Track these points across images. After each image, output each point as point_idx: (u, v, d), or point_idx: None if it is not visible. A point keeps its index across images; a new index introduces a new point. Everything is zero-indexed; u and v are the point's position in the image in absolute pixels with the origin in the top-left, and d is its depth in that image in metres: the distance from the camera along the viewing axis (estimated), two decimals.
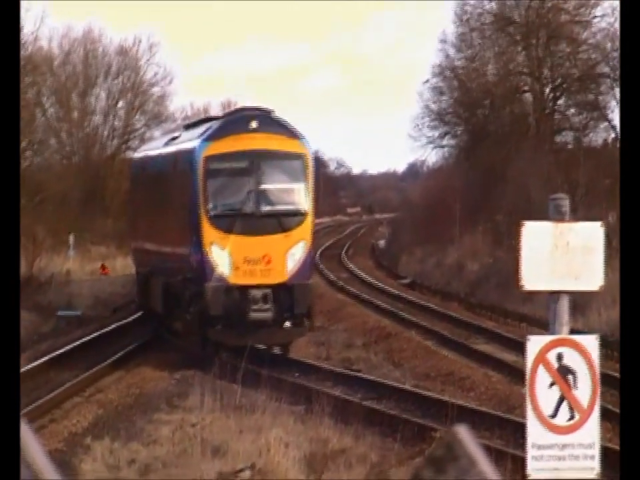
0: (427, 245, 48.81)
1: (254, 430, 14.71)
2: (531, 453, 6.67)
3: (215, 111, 51.34)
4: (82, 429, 18.08)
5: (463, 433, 1.81)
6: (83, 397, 21.16)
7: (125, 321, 30.42)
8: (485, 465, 1.76)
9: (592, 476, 6.68)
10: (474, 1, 47.68)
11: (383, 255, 61.46)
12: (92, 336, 27.76)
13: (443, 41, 49.25)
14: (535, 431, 6.63)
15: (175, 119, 57.23)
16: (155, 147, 30.82)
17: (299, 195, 23.34)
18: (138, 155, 33.95)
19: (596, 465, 6.74)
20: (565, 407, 6.67)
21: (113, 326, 29.49)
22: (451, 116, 52.01)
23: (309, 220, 23.21)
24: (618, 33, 40.55)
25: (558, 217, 6.66)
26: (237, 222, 22.78)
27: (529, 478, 6.70)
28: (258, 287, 22.28)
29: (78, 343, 26.60)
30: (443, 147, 53.11)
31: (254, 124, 23.03)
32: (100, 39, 56.34)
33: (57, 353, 25.04)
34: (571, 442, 6.65)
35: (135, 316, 30.51)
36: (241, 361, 19.12)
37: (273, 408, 16.75)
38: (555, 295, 6.63)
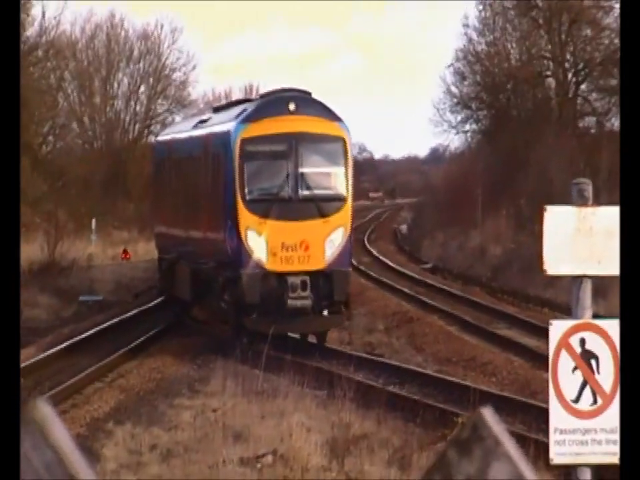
0: (449, 230, 48.81)
1: (276, 415, 14.63)
2: (553, 437, 6.70)
3: (237, 96, 51.32)
4: (104, 414, 18.11)
5: (489, 414, 1.83)
6: (104, 382, 21.23)
7: (147, 306, 30.30)
8: (509, 445, 1.78)
9: (614, 461, 6.70)
10: None
11: (404, 240, 61.58)
12: (113, 321, 27.85)
13: (466, 25, 49.37)
14: (557, 416, 6.65)
15: (197, 104, 57.26)
16: (182, 129, 29.90)
17: (338, 180, 22.65)
18: (162, 138, 32.70)
19: (618, 449, 6.78)
20: (587, 391, 6.71)
21: (135, 311, 29.38)
22: (473, 100, 51.73)
23: (348, 205, 22.57)
24: None
25: (581, 201, 6.67)
26: (274, 207, 22.15)
27: (552, 462, 6.77)
28: (296, 273, 21.68)
29: (99, 328, 26.61)
30: (465, 131, 53.28)
31: (292, 106, 22.38)
32: (122, 23, 56.57)
33: (79, 337, 25.16)
34: (594, 427, 6.68)
35: (157, 301, 30.21)
36: (264, 345, 18.92)
37: (295, 393, 16.58)
38: (577, 279, 6.66)
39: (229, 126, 22.80)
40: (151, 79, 56.78)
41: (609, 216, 6.65)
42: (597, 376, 6.68)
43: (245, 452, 12.28)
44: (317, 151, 22.60)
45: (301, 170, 22.16)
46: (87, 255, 40.96)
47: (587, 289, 6.69)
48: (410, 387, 18.81)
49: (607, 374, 6.72)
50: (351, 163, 22.72)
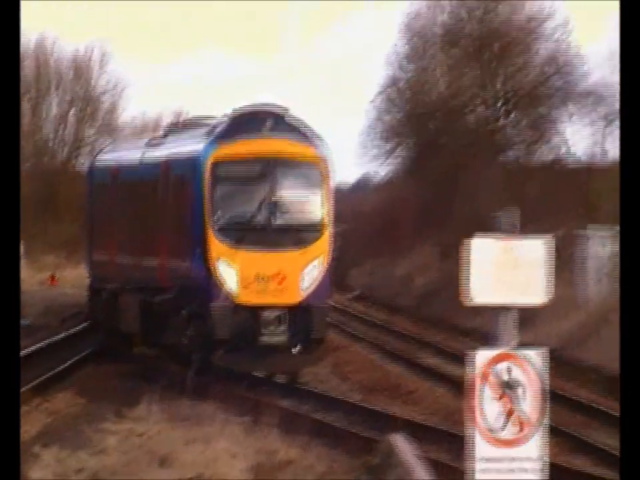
0: (376, 258, 49.50)
1: (201, 440, 14.62)
2: (479, 466, 6.82)
3: (167, 120, 51.13)
4: (30, 438, 17.66)
5: (400, 441, 2.13)
6: (31, 406, 20.76)
7: (74, 329, 30.13)
8: (421, 472, 2.09)
9: None
10: (426, 14, 47.74)
11: (330, 268, 62.25)
12: (40, 344, 27.50)
13: (396, 53, 49.07)
14: (481, 446, 6.77)
15: (126, 127, 57.66)
16: (127, 152, 28.30)
17: (316, 207, 21.29)
18: (103, 161, 30.00)
19: (544, 477, 6.92)
20: (509, 421, 6.84)
21: (62, 335, 29.24)
22: (402, 128, 51.28)
23: (327, 234, 21.34)
24: (572, 45, 44.04)
25: (507, 231, 6.83)
26: (247, 235, 20.84)
27: None
28: (270, 307, 20.46)
29: (26, 351, 25.87)
30: (393, 159, 52.44)
31: (268, 125, 21.07)
32: (53, 48, 57.09)
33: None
34: (519, 455, 6.84)
35: (84, 325, 29.98)
36: (187, 371, 19.00)
37: (221, 419, 16.49)
38: (503, 308, 6.80)
39: (197, 147, 21.47)
40: (80, 103, 57.96)
41: (534, 247, 6.82)
42: (521, 405, 6.84)
43: (171, 476, 12.34)
44: (295, 175, 21.19)
45: (276, 196, 20.84)
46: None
47: (511, 319, 6.87)
48: (335, 414, 18.73)
49: (528, 404, 6.88)
50: (330, 189, 21.42)
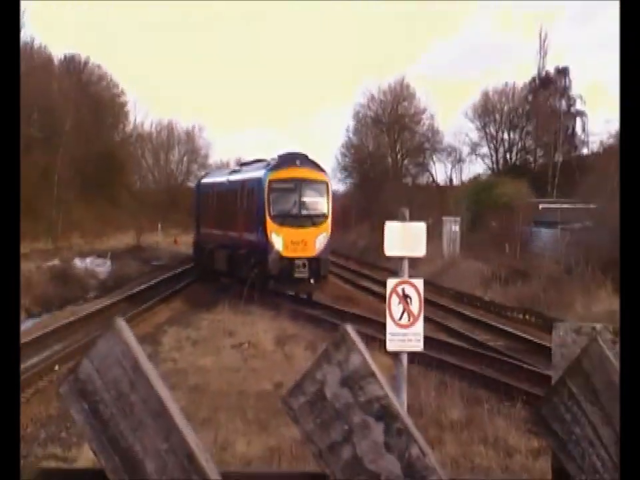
0: (338, 232, 60.47)
1: (249, 323, 24.61)
2: (388, 337, 12.84)
3: (234, 162, 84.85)
4: (163, 321, 30.19)
5: (349, 327, 2.32)
6: (163, 305, 36.00)
7: (186, 267, 51.27)
8: (361, 344, 2.30)
9: (419, 349, 12.94)
10: (362, 108, 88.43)
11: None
12: (169, 274, 48.48)
13: (348, 130, 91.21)
14: (391, 326, 12.81)
15: (213, 165, 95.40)
16: (219, 176, 47.55)
17: (323, 205, 35.60)
18: (205, 181, 50.49)
19: (421, 345, 12.97)
20: (405, 314, 12.88)
21: (179, 269, 51.05)
22: (351, 167, 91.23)
23: (328, 220, 35.36)
24: (436, 126, 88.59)
25: (403, 219, 12.90)
26: (287, 219, 34.76)
27: (388, 349, 12.94)
28: (299, 258, 34.11)
29: (161, 277, 46.31)
30: (348, 182, 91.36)
31: (297, 162, 35.70)
32: (174, 125, 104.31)
33: (152, 282, 43.61)
34: (408, 332, 12.87)
35: (189, 266, 51.03)
36: (245, 288, 30.72)
37: (259, 312, 27.74)
38: (402, 258, 12.87)
39: (261, 173, 36.14)
40: (189, 153, 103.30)
41: (417, 227, 12.87)
42: (410, 306, 12.91)
43: (234, 341, 20.11)
44: (312, 188, 35.62)
45: (302, 199, 35.28)
46: (156, 241, 72.24)
47: (405, 263, 12.86)
48: (319, 311, 31.71)
49: (415, 306, 12.94)
50: (331, 195, 36.10)
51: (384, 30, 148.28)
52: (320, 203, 35.86)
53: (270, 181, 35.18)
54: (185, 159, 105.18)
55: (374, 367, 2.24)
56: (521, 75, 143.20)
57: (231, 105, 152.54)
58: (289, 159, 36.32)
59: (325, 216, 35.67)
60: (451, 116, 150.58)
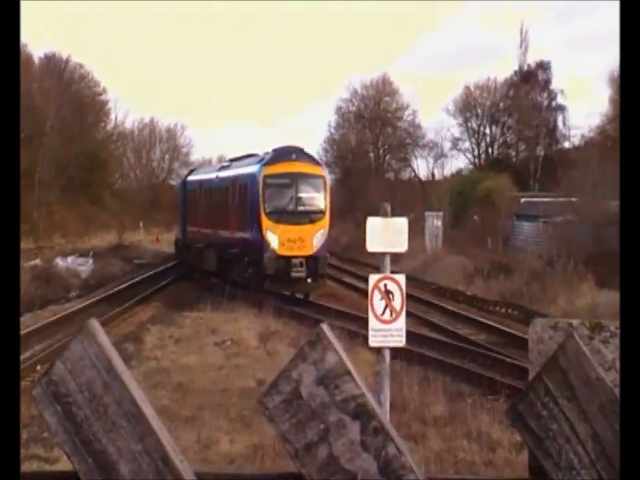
0: None
1: (232, 321, 24.41)
2: (370, 333, 12.87)
3: (215, 160, 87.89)
4: (145, 319, 30.09)
5: (325, 327, 2.31)
6: (145, 303, 35.84)
7: (168, 265, 51.72)
8: (337, 344, 2.29)
9: (401, 345, 12.95)
10: (345, 103, 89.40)
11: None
12: (151, 272, 47.98)
13: (330, 125, 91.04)
14: (373, 322, 12.82)
15: (195, 163, 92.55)
16: (206, 173, 46.19)
17: (320, 201, 33.77)
18: (191, 177, 49.30)
19: (403, 340, 12.98)
20: (388, 310, 12.89)
21: (161, 268, 50.84)
22: (333, 162, 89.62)
23: (326, 216, 33.73)
24: (418, 122, 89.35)
25: (385, 215, 12.91)
26: (283, 216, 33.03)
27: (370, 345, 12.94)
28: (296, 256, 32.47)
29: (144, 276, 45.88)
30: (331, 177, 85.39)
31: (293, 155, 33.93)
32: (156, 123, 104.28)
33: (134, 280, 43.55)
34: (390, 328, 12.87)
35: (172, 264, 51.49)
36: (227, 286, 29.86)
37: (242, 310, 27.25)
38: (383, 253, 12.88)
39: (254, 168, 34.53)
40: (170, 152, 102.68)
41: (399, 222, 12.87)
42: (392, 302, 12.92)
43: (217, 339, 20.03)
44: (308, 183, 33.83)
45: (299, 194, 33.46)
46: (138, 240, 71.61)
47: (388, 259, 12.84)
48: (303, 308, 31.33)
49: (397, 301, 12.95)
50: (328, 190, 34.35)
51: (367, 27, 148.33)
52: (317, 199, 34.14)
53: (264, 176, 33.59)
54: (167, 157, 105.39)
55: (350, 366, 2.23)
56: (502, 70, 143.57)
57: (211, 103, 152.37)
58: (284, 153, 34.64)
59: (322, 212, 34.02)
60: (432, 111, 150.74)
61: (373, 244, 12.54)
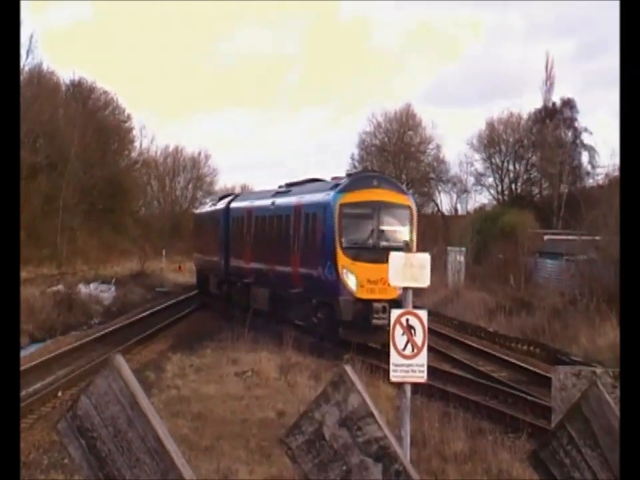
0: None
1: (253, 351, 24.30)
2: (392, 368, 12.85)
3: (237, 189, 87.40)
4: (166, 348, 29.93)
5: (349, 369, 2.31)
6: (167, 331, 36.15)
7: (190, 294, 52.38)
8: (359, 384, 2.31)
9: (423, 380, 12.93)
10: (368, 136, 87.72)
11: None
12: (173, 301, 48.74)
13: (353, 158, 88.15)
14: (394, 357, 12.82)
15: (218, 192, 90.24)
16: (256, 199, 40.46)
17: (406, 235, 28.53)
18: (236, 204, 43.69)
19: (425, 376, 12.96)
20: (409, 345, 12.88)
21: (183, 297, 51.47)
22: None
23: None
24: (442, 157, 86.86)
25: (408, 250, 12.98)
26: (362, 253, 28.70)
27: (391, 380, 12.92)
28: (378, 300, 27.89)
29: (165, 304, 46.51)
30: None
31: (375, 182, 29.75)
32: (182, 151, 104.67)
33: (155, 308, 43.93)
34: (412, 363, 12.86)
35: (194, 292, 52.25)
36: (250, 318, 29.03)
37: (264, 340, 26.61)
38: (405, 288, 12.88)
39: (328, 196, 29.91)
40: (195, 180, 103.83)
41: (421, 257, 12.91)
42: (414, 337, 12.92)
43: (238, 369, 20.14)
44: (392, 214, 29.36)
45: (381, 227, 29.05)
46: (160, 267, 71.30)
47: (410, 293, 12.87)
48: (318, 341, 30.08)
49: (419, 337, 12.95)
50: (415, 224, 29.29)
51: (387, 57, 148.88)
52: (402, 232, 29.00)
53: (341, 205, 29.10)
54: (190, 185, 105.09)
55: (373, 407, 2.23)
56: (526, 104, 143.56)
57: (234, 131, 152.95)
58: (364, 179, 30.54)
59: (408, 248, 27.57)
60: (456, 146, 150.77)
61: (396, 278, 12.59)
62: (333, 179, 33.07)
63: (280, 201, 35.73)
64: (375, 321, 27.68)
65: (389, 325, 26.47)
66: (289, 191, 36.08)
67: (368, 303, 27.98)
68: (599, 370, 2.28)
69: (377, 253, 27.88)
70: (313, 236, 30.77)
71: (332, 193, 29.59)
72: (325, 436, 2.22)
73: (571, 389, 2.29)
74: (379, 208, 28.99)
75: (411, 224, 29.18)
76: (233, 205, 44.35)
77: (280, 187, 39.79)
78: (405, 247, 27.34)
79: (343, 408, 2.23)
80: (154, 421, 2.28)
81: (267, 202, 37.35)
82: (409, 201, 30.10)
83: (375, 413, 2.24)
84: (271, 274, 34.74)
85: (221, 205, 47.35)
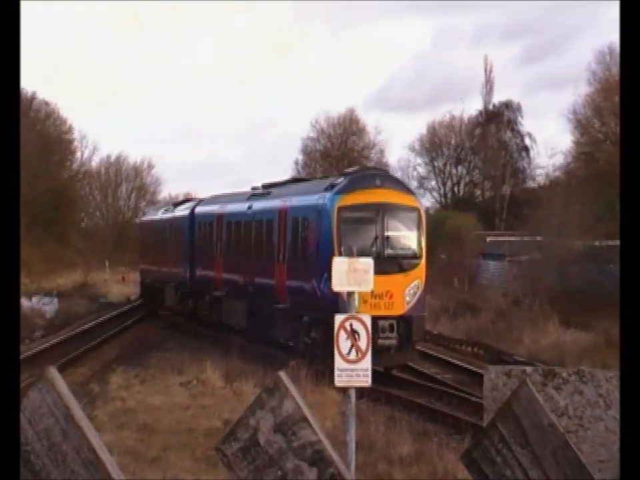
0: None
1: (198, 361, 24.00)
2: (336, 373, 12.87)
3: (179, 198, 78.49)
4: (110, 359, 29.77)
5: (283, 375, 2.40)
6: (112, 343, 35.81)
7: (134, 304, 51.23)
8: (292, 389, 2.32)
9: (367, 385, 12.97)
10: (312, 141, 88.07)
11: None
12: (117, 312, 47.16)
13: (296, 163, 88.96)
14: (339, 362, 12.85)
15: (160, 201, 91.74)
16: (227, 203, 35.91)
17: (415, 242, 26.06)
18: (202, 209, 39.22)
19: (369, 380, 12.99)
20: (354, 350, 12.92)
21: (127, 307, 50.30)
22: None
23: (422, 262, 25.97)
24: (385, 161, 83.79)
25: (351, 254, 12.99)
26: None
27: (336, 385, 12.97)
28: (384, 317, 24.45)
29: (109, 315, 45.20)
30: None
31: (377, 181, 26.06)
32: (123, 160, 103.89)
33: (99, 320, 42.65)
34: (356, 367, 12.89)
35: (138, 302, 50.84)
36: (194, 325, 29.91)
37: (209, 349, 27.75)
38: (350, 293, 12.92)
39: (322, 197, 26.27)
40: (137, 190, 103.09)
41: (364, 262, 12.96)
42: (358, 342, 12.96)
43: (182, 379, 20.09)
44: (398, 218, 26.08)
45: (386, 233, 25.63)
46: (104, 279, 70.35)
47: (354, 298, 12.95)
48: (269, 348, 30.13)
49: (363, 341, 12.99)
50: (424, 228, 26.39)
51: (332, 64, 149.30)
52: (410, 239, 26.32)
53: (339, 209, 25.52)
54: (133, 195, 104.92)
55: (307, 412, 2.25)
56: (469, 108, 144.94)
57: (176, 135, 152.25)
58: (365, 177, 26.74)
59: (417, 257, 26.17)
60: (401, 150, 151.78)
61: (339, 283, 12.66)
62: (323, 177, 29.98)
63: (259, 204, 32.01)
64: (380, 342, 24.07)
65: (398, 345, 24.53)
66: (269, 193, 32.30)
67: (372, 320, 24.08)
68: (529, 369, 2.32)
69: (381, 262, 24.07)
70: (304, 244, 27.28)
71: (328, 195, 26.09)
72: (260, 442, 2.23)
73: (502, 389, 2.32)
74: (383, 211, 25.69)
75: (420, 228, 26.29)
76: (199, 209, 39.94)
77: (254, 188, 35.93)
78: (414, 256, 25.86)
79: (278, 414, 2.24)
80: (89, 433, 2.27)
81: (241, 206, 33.69)
82: (416, 202, 27.04)
83: (310, 417, 2.25)
84: (249, 286, 31.30)
85: (182, 210, 43.20)
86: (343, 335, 12.75)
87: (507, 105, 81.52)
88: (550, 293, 35.60)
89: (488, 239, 55.89)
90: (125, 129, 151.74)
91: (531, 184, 79.08)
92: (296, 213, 28.04)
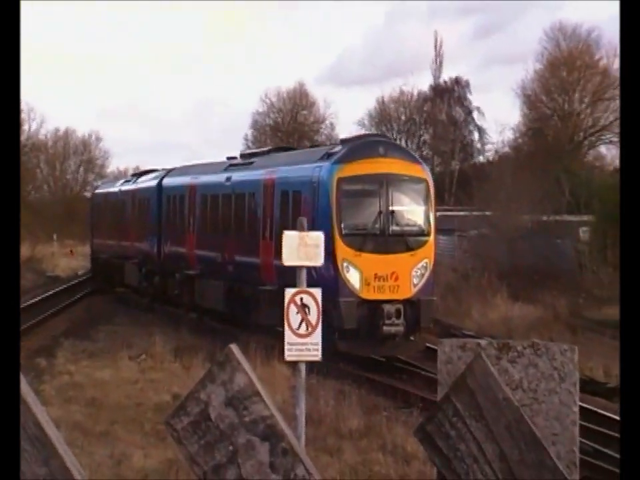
0: None
1: (147, 334, 24.12)
2: (286, 347, 12.88)
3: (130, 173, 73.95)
4: (58, 334, 29.50)
5: (235, 348, 2.30)
6: (59, 317, 35.48)
7: (82, 279, 51.01)
8: (244, 363, 2.29)
9: (317, 359, 12.98)
10: (261, 117, 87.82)
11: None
12: (65, 286, 46.74)
13: (245, 138, 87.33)
14: (289, 336, 12.84)
15: (110, 175, 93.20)
16: (205, 174, 32.30)
17: (423, 217, 23.69)
18: (170, 181, 35.74)
19: (319, 354, 13.01)
20: (304, 324, 12.92)
21: (75, 281, 50.14)
22: None
23: (431, 240, 23.57)
24: (335, 135, 78.11)
25: (302, 229, 12.95)
26: (368, 241, 22.80)
27: (286, 359, 12.97)
28: (390, 302, 22.43)
29: (57, 289, 44.71)
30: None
31: (381, 149, 23.48)
32: (69, 135, 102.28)
33: (46, 294, 42.08)
34: (307, 342, 12.91)
35: (87, 276, 50.67)
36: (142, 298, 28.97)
37: (160, 323, 27.35)
38: (299, 267, 12.89)
39: (319, 168, 23.57)
40: (85, 163, 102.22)
41: (314, 236, 12.94)
42: (308, 316, 12.95)
43: (132, 353, 19.92)
44: (405, 190, 23.59)
45: (391, 207, 23.15)
46: (51, 252, 70.76)
47: (304, 272, 12.89)
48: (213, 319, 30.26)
49: (313, 315, 12.98)
50: (433, 202, 24.02)
51: (280, 37, 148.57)
52: (418, 213, 23.82)
53: (339, 180, 22.98)
54: (81, 169, 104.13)
55: (259, 386, 2.21)
56: (419, 84, 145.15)
57: (126, 112, 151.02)
58: (367, 145, 24.04)
59: (425, 234, 23.66)
60: (349, 125, 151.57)
61: (290, 257, 12.63)
62: (313, 144, 26.83)
63: (239, 175, 28.98)
64: (386, 328, 22.26)
65: (406, 332, 22.37)
66: (250, 163, 29.29)
67: (376, 305, 22.37)
68: (483, 342, 2.30)
69: (386, 240, 22.87)
70: (291, 219, 23.44)
71: (325, 165, 23.47)
72: (211, 416, 2.20)
73: (456, 362, 2.30)
74: (387, 182, 23.18)
75: (428, 202, 23.83)
76: (168, 180, 36.32)
77: (230, 158, 32.87)
78: (422, 233, 23.42)
79: (229, 387, 2.20)
80: (34, 407, 2.22)
81: (218, 177, 30.55)
82: (424, 172, 24.27)
83: (262, 391, 2.22)
84: (229, 265, 28.41)
85: (148, 181, 39.76)
86: (293, 309, 12.74)
87: (457, 81, 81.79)
88: (498, 268, 35.88)
89: (438, 214, 56.13)
90: (74, 103, 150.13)
91: (480, 159, 79.56)
92: (285, 185, 25.37)
